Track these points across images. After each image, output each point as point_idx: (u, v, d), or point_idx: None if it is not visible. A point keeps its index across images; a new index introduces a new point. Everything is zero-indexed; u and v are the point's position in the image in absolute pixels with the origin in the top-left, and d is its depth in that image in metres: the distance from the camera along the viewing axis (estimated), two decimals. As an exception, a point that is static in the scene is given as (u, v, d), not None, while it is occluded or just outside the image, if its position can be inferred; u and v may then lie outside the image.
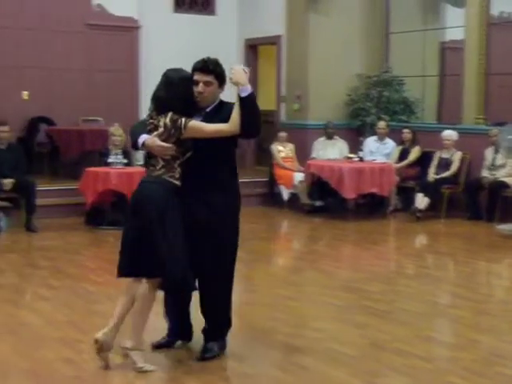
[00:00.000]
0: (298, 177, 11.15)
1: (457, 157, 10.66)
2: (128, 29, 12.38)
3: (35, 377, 4.40)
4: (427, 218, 10.32)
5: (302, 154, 11.72)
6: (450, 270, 8.09)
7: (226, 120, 4.38)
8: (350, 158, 11.04)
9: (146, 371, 4.39)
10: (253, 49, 13.80)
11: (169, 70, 4.52)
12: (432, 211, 10.45)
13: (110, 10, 12.28)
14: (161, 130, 4.37)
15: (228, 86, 4.53)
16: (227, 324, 4.75)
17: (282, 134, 11.62)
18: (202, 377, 4.43)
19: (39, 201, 9.55)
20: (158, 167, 4.42)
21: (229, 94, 4.61)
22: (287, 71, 12.83)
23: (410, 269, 8.06)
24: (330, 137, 11.67)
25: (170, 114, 4.36)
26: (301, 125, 12.35)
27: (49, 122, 11.92)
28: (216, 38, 13.27)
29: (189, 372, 4.51)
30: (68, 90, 11.94)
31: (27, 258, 7.99)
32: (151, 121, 4.47)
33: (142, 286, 4.46)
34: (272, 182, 11.62)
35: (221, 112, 4.48)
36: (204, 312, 4.70)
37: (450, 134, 10.71)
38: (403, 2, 12.42)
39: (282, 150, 11.52)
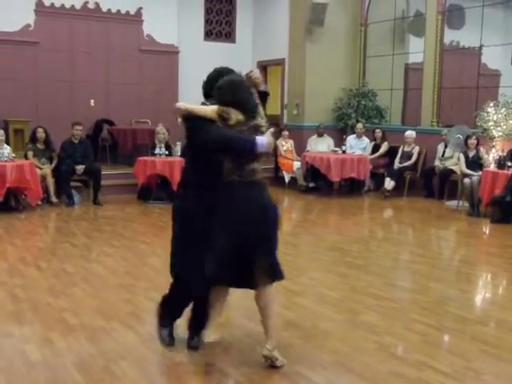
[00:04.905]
0: (297, 165, 11.11)
1: (416, 150, 10.61)
2: (170, 53, 12.28)
3: (101, 313, 4.42)
4: (393, 196, 10.28)
5: (299, 147, 11.65)
6: (409, 235, 8.07)
7: None
8: (335, 150, 11.02)
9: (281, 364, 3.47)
10: (263, 69, 13.69)
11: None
12: (396, 191, 10.42)
13: (157, 39, 12.21)
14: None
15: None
16: None
17: (285, 133, 11.56)
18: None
19: (103, 182, 9.57)
20: (259, 170, 3.39)
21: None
22: (289, 85, 12.72)
23: (380, 234, 8.05)
24: (320, 135, 11.61)
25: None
26: (298, 126, 12.27)
27: (110, 123, 11.87)
28: (235, 60, 13.01)
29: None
30: (124, 99, 11.89)
31: (94, 224, 8.01)
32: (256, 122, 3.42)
33: (270, 289, 3.47)
34: (277, 169, 11.58)
35: None
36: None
37: (410, 133, 10.68)
38: (377, 34, 12.29)
39: (284, 145, 11.46)
